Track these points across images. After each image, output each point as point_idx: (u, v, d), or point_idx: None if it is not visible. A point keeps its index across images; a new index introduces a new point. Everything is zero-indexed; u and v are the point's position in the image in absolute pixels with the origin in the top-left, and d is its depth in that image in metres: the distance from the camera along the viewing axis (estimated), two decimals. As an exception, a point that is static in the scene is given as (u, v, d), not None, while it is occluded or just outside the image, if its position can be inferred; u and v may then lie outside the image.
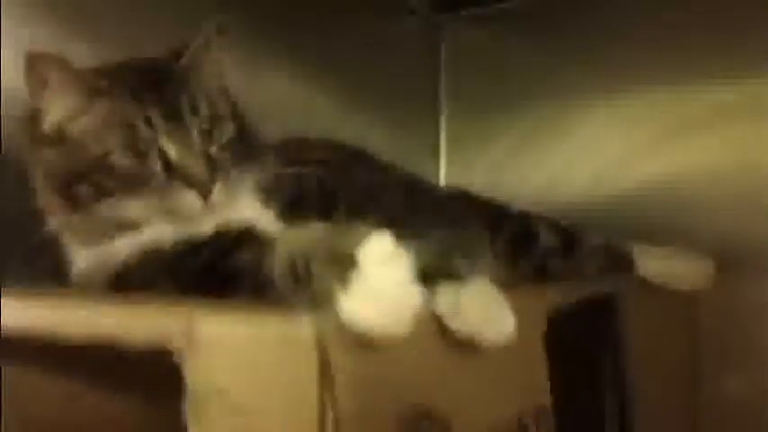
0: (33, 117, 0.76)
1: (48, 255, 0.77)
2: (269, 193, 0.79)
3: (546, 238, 1.04)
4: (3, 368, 0.66)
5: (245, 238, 0.71)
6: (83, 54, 0.81)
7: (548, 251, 1.04)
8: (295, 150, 0.91)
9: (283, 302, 0.60)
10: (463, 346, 0.62)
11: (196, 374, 0.52)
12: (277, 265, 0.61)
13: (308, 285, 0.57)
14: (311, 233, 0.62)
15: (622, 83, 1.49)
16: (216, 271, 0.69)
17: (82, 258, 0.77)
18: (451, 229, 0.88)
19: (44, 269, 0.78)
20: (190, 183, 0.73)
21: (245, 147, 0.80)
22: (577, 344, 0.92)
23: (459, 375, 0.64)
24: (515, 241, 1.02)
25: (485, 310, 0.64)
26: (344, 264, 0.55)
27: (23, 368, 0.69)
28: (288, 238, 0.64)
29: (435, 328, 0.62)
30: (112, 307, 0.62)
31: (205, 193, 0.73)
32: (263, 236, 0.72)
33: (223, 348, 0.52)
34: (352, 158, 0.99)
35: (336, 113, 1.41)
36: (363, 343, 0.52)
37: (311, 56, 1.34)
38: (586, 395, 0.96)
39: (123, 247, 0.75)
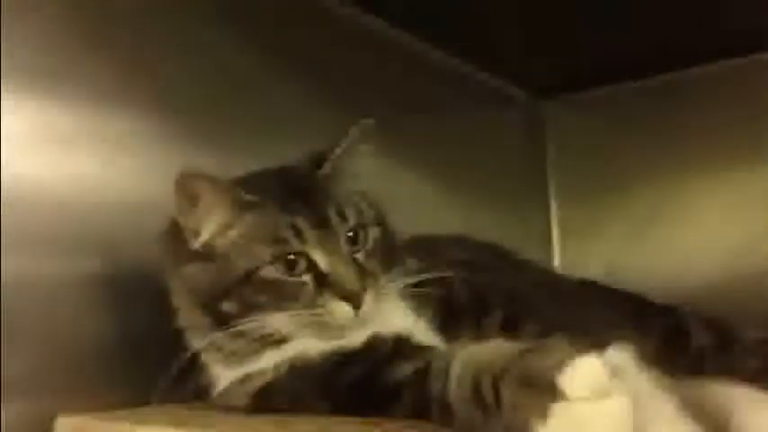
0: (178, 234, 0.73)
1: (190, 375, 0.74)
2: (418, 300, 0.74)
3: (698, 334, 0.95)
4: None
5: (401, 349, 0.67)
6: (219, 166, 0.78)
7: (702, 349, 0.94)
8: (432, 250, 0.86)
9: (460, 426, 0.55)
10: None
11: None
12: (456, 386, 0.56)
13: (497, 412, 0.51)
14: (496, 350, 0.56)
15: (744, 161, 1.42)
16: (372, 385, 0.65)
17: (225, 376, 0.74)
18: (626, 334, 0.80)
19: (186, 390, 0.74)
20: (341, 293, 0.69)
21: (389, 251, 0.76)
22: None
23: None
24: (666, 339, 0.93)
25: None
26: (542, 390, 0.49)
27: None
28: (468, 356, 0.58)
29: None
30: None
31: (357, 303, 0.69)
32: (421, 347, 0.67)
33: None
34: (490, 255, 0.93)
35: (445, 204, 1.37)
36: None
37: (418, 147, 1.32)
38: None
39: (267, 362, 0.71)
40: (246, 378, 0.72)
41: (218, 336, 0.71)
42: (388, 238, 0.77)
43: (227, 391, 0.73)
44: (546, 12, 1.26)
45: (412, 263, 0.76)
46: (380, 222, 0.78)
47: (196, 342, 0.73)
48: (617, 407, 0.47)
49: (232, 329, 0.70)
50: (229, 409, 0.72)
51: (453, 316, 0.73)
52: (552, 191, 1.65)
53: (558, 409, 0.48)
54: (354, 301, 0.69)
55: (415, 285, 0.74)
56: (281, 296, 0.70)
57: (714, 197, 1.44)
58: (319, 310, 0.69)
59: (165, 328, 0.75)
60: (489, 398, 0.53)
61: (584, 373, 0.48)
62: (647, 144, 1.52)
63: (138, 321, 0.84)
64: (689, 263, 1.44)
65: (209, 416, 0.71)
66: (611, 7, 1.23)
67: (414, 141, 1.30)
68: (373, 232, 0.75)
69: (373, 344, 0.69)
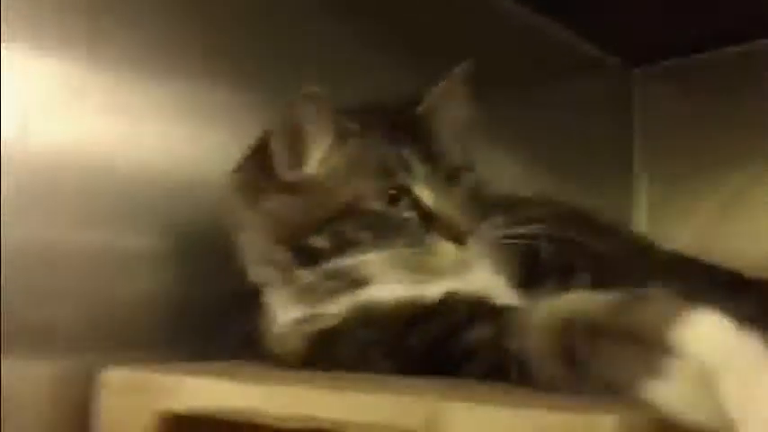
0: (263, 163, 0.69)
1: (250, 318, 0.70)
2: (503, 254, 0.70)
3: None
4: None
5: (480, 309, 0.62)
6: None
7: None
8: (519, 208, 0.79)
9: (540, 385, 0.50)
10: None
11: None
12: (538, 340, 0.51)
13: (591, 369, 0.46)
14: (586, 301, 0.51)
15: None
16: (445, 347, 0.60)
17: (286, 316, 0.69)
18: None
19: (243, 335, 0.71)
20: (448, 233, 0.66)
21: (479, 200, 0.71)
22: None
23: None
24: (758, 316, 0.85)
25: None
26: (650, 345, 0.44)
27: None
28: (553, 308, 0.53)
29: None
30: (335, 388, 0.53)
31: (464, 240, 0.66)
32: (501, 308, 0.62)
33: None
34: (576, 216, 0.87)
35: (524, 171, 1.31)
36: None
37: (504, 116, 1.24)
38: None
39: (338, 306, 0.66)
40: (310, 319, 0.67)
41: (303, 273, 0.66)
42: (478, 187, 0.73)
43: (285, 332, 0.69)
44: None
45: (497, 218, 0.71)
46: (473, 168, 0.74)
47: (268, 280, 0.70)
48: (751, 370, 0.41)
49: (321, 267, 0.65)
50: (284, 355, 0.68)
51: (537, 274, 0.68)
52: (638, 164, 1.55)
53: (676, 367, 0.42)
54: (461, 241, 0.65)
55: (499, 240, 0.69)
56: (383, 232, 0.65)
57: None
58: (424, 249, 0.65)
59: (215, 288, 0.73)
60: (582, 353, 0.48)
61: (706, 330, 0.43)
62: (745, 118, 1.41)
63: (189, 281, 0.81)
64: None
65: (261, 370, 0.67)
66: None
67: (495, 107, 1.21)
68: (468, 177, 0.71)
69: (451, 301, 0.64)
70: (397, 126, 0.69)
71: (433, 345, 0.61)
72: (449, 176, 0.69)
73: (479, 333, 0.59)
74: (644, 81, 1.56)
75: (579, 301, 0.52)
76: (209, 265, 0.77)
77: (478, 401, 0.44)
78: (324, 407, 0.50)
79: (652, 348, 0.43)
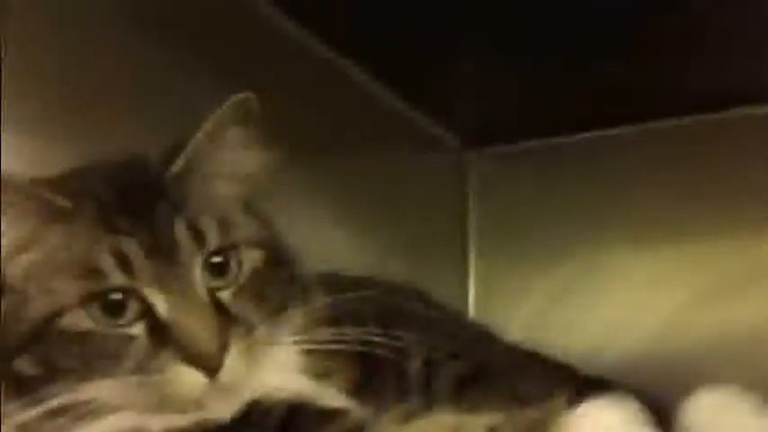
0: None
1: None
2: (325, 359, 0.57)
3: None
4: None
5: (299, 419, 0.50)
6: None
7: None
8: (346, 297, 0.63)
9: None
10: None
11: None
12: None
13: None
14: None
15: (668, 233, 1.34)
16: None
17: None
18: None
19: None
20: (187, 354, 0.49)
21: (281, 282, 0.57)
22: None
23: None
24: None
25: None
26: None
27: None
28: None
29: None
30: None
31: (212, 368, 0.49)
32: (331, 412, 0.50)
33: None
34: (412, 310, 0.79)
35: (355, 250, 1.25)
36: None
37: (333, 186, 1.21)
38: None
39: None
40: None
41: (16, 406, 0.49)
42: (280, 264, 0.58)
43: None
44: (486, 56, 1.19)
45: (316, 309, 0.58)
46: (267, 243, 0.58)
47: None
48: None
49: (32, 400, 0.48)
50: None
51: (375, 382, 0.57)
52: (471, 247, 1.54)
53: None
54: (207, 364, 0.49)
55: (322, 339, 0.56)
56: (98, 356, 0.49)
57: (641, 270, 1.36)
58: (155, 378, 0.49)
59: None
60: None
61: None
62: (576, 206, 1.44)
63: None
64: (612, 334, 1.34)
65: None
66: (555, 57, 1.16)
67: (329, 180, 1.19)
68: (252, 257, 0.55)
69: (253, 415, 0.51)
70: (129, 200, 0.52)
71: None
72: (220, 260, 0.53)
73: None
74: (480, 162, 1.55)
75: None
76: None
77: None
78: None
79: None
